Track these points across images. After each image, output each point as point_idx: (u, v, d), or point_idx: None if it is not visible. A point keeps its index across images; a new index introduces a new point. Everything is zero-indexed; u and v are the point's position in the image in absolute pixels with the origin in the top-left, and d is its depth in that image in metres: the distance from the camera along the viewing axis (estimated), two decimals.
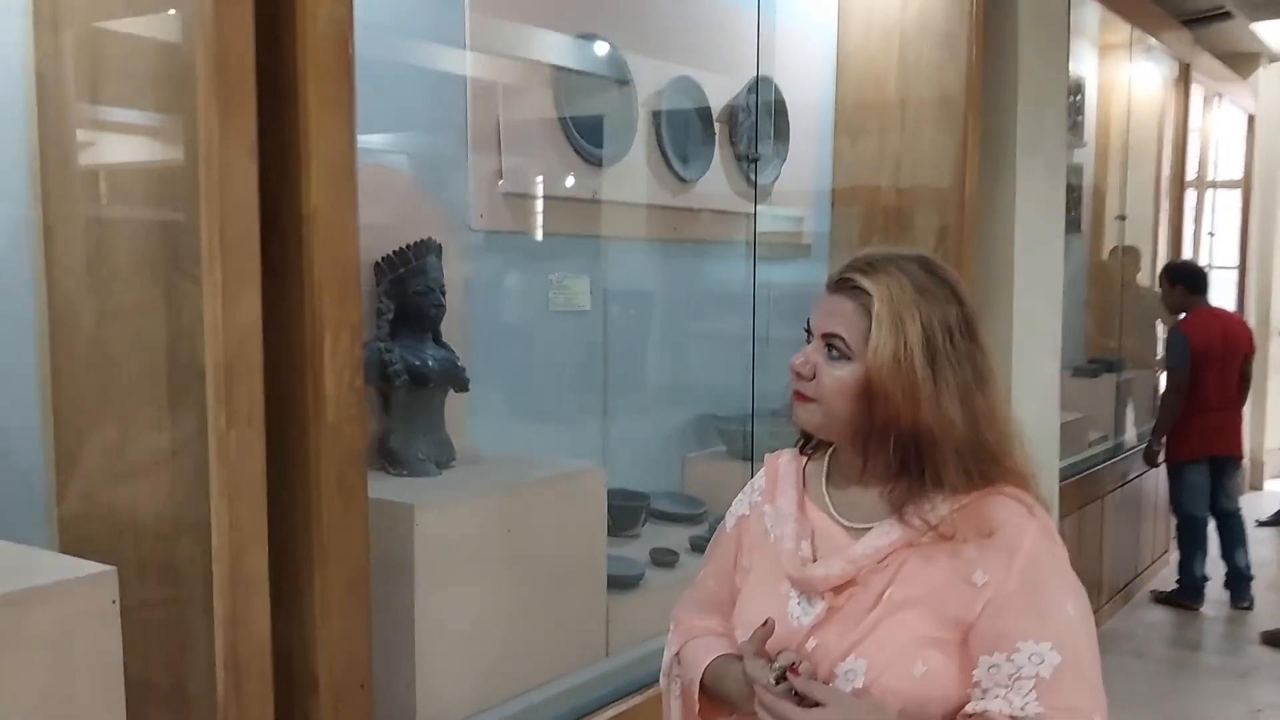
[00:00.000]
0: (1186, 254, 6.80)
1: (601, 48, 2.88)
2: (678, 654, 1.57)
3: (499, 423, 2.69)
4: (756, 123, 3.21)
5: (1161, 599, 5.67)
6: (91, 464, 1.82)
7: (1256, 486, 8.49)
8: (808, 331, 1.42)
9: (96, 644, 1.59)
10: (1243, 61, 7.82)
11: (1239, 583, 5.58)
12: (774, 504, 1.49)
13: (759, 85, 3.17)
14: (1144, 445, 5.69)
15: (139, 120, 1.76)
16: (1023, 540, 1.33)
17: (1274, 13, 6.51)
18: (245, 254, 1.60)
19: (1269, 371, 8.52)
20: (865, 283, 1.35)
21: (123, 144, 1.80)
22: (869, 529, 1.38)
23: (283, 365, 1.69)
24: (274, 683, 1.71)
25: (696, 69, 3.21)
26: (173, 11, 1.64)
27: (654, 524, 3.04)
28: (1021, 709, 1.27)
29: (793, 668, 1.30)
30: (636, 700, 2.41)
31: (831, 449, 1.48)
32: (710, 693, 1.49)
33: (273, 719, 1.70)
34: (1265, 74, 8.23)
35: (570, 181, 2.84)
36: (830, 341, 1.37)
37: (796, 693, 1.29)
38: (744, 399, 3.25)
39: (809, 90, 3.77)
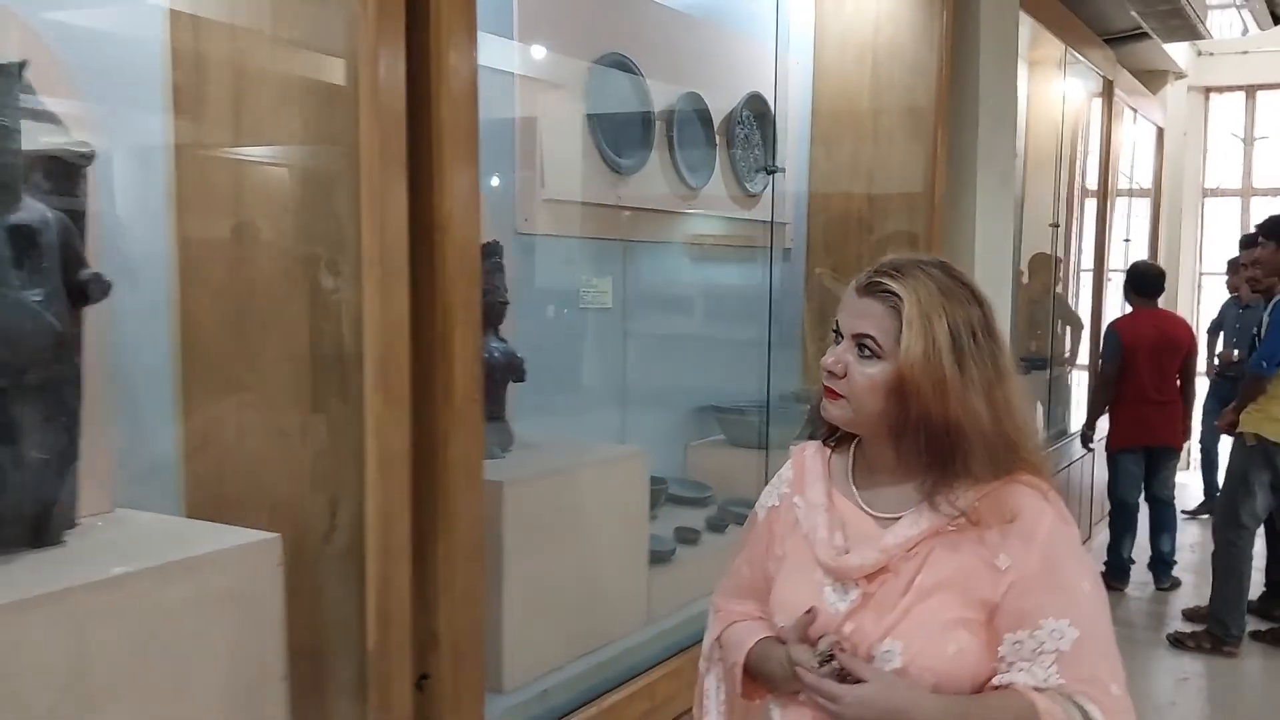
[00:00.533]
0: (1111, 260, 7.28)
1: (624, 68, 3.12)
2: (719, 638, 1.66)
3: (539, 410, 2.91)
4: (774, 135, 3.48)
5: None
6: (228, 441, 2.01)
7: None
8: (836, 333, 1.50)
9: (265, 602, 1.79)
10: (1152, 78, 8.34)
11: (1161, 566, 6.03)
12: (803, 495, 1.57)
13: (776, 97, 3.43)
14: (1074, 436, 6.14)
15: (284, 142, 1.96)
16: (1041, 525, 1.43)
17: (1187, 35, 6.99)
18: (397, 258, 1.82)
19: None
20: (895, 286, 1.43)
21: (270, 162, 1.99)
22: (897, 519, 1.47)
23: (420, 354, 1.90)
24: None
25: (699, 86, 3.46)
26: (334, 59, 1.84)
27: (668, 506, 3.28)
28: (1044, 680, 1.39)
29: (837, 645, 1.42)
30: (676, 663, 2.66)
31: (856, 441, 1.57)
32: (752, 673, 1.58)
33: (410, 669, 1.91)
34: (1172, 90, 8.78)
35: (600, 189, 3.08)
36: (862, 341, 1.44)
37: (839, 674, 1.41)
38: (742, 391, 3.53)
39: (789, 103, 4.06)
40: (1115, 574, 5.95)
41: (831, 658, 1.42)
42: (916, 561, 1.44)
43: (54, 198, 1.73)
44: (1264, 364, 4.81)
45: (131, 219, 2.01)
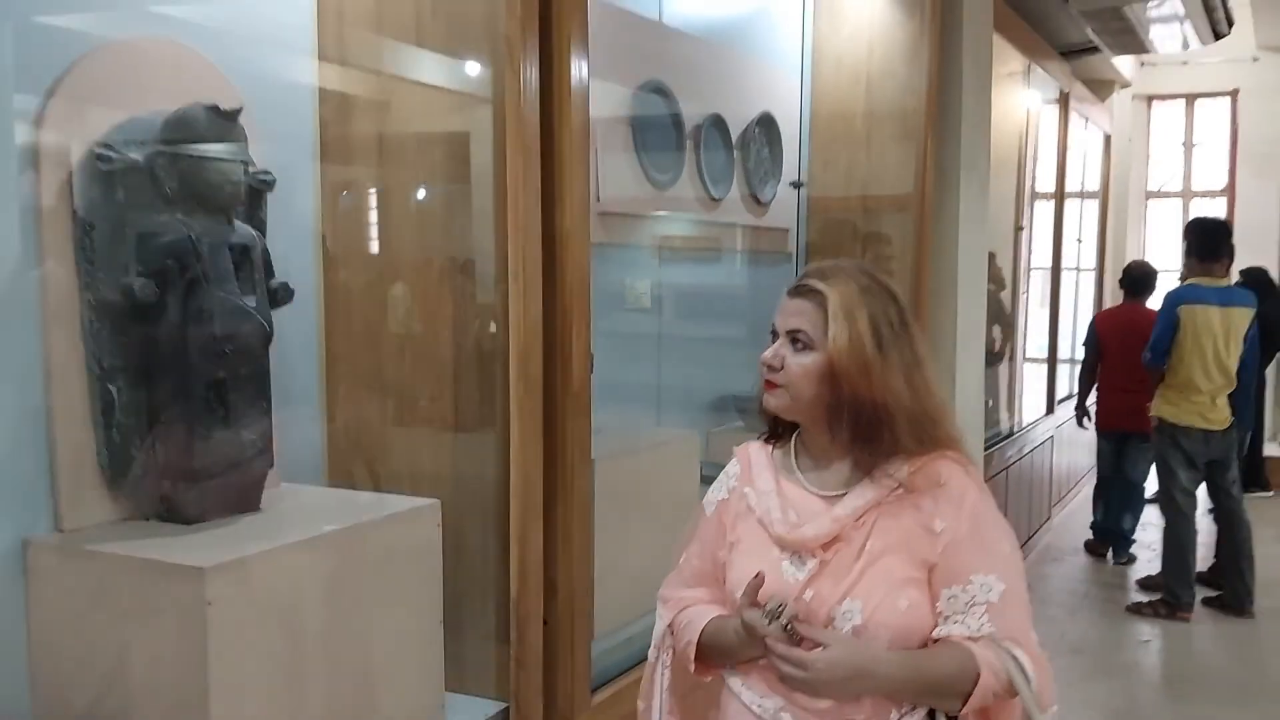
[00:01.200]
0: (1065, 259, 7.77)
1: (661, 92, 3.48)
2: (670, 625, 1.78)
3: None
4: (803, 151, 3.84)
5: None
6: (377, 424, 2.34)
7: None
8: (773, 333, 1.67)
9: (427, 557, 2.13)
10: (1100, 88, 8.83)
11: (1121, 542, 6.54)
12: (753, 485, 1.71)
13: (801, 116, 3.80)
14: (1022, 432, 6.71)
15: (427, 173, 2.30)
16: (968, 493, 1.61)
17: (1135, 49, 7.48)
18: (533, 269, 2.16)
19: None
20: (821, 286, 1.61)
21: (412, 177, 2.33)
22: (843, 495, 1.63)
23: (546, 350, 2.25)
24: None
25: (720, 106, 3.83)
26: (477, 90, 2.18)
27: (701, 486, 3.64)
28: (978, 630, 1.56)
29: (795, 618, 1.54)
30: None
31: (795, 435, 1.73)
32: (706, 650, 1.70)
33: (542, 614, 2.26)
34: (1118, 98, 9.30)
35: (642, 202, 3.44)
36: (795, 336, 1.62)
37: (796, 642, 1.53)
38: (759, 382, 3.90)
39: (786, 120, 4.44)
40: (1099, 536, 6.68)
41: (781, 614, 1.54)
42: (864, 530, 1.60)
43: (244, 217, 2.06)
44: (1149, 355, 5.39)
45: (285, 228, 2.33)
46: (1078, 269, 8.49)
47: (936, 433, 1.62)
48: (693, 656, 1.70)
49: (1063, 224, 7.50)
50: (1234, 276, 5.83)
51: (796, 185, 3.80)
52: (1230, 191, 9.43)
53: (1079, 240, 8.49)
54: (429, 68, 2.22)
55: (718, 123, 3.80)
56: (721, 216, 3.90)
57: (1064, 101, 7.32)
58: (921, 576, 1.58)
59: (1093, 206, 8.94)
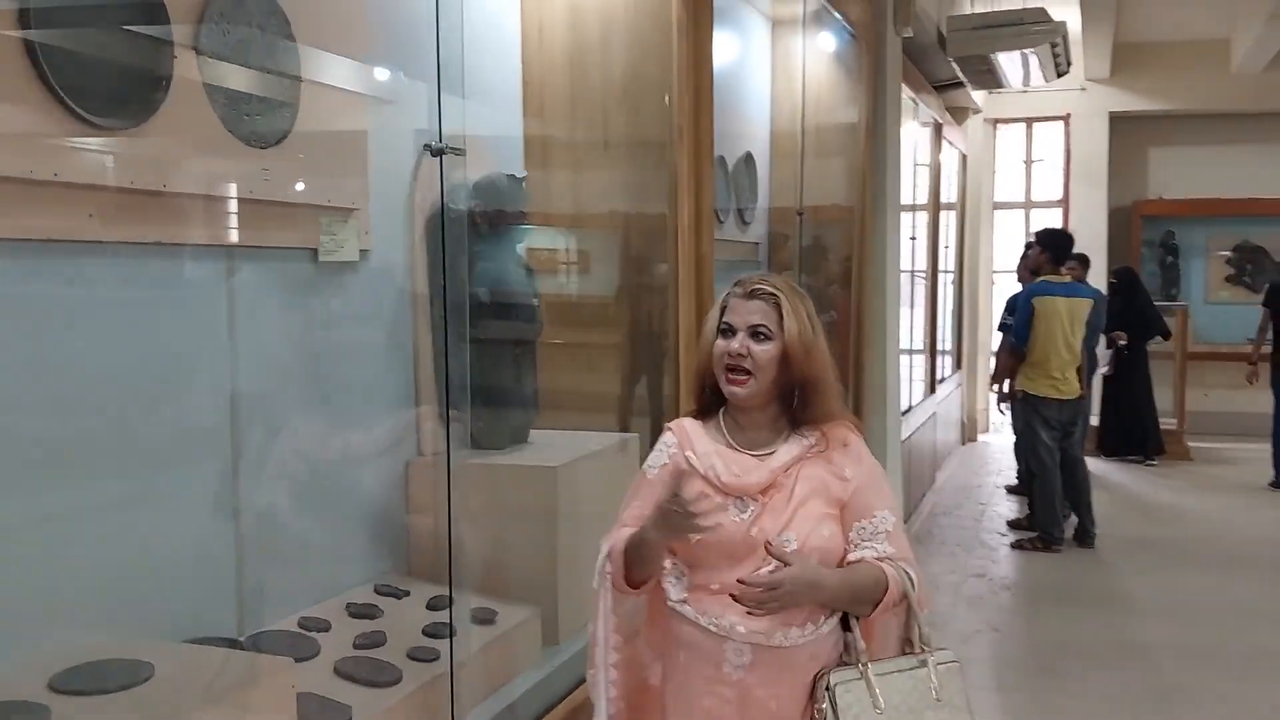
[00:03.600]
0: (939, 264, 9.13)
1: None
2: (608, 554, 2.02)
3: None
4: (803, 178, 4.94)
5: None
6: (572, 389, 3.32)
7: (972, 438, 11.07)
8: (725, 330, 1.98)
9: (629, 475, 3.13)
10: (958, 114, 10.27)
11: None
12: (693, 449, 2.03)
13: (803, 153, 4.91)
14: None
15: (618, 190, 3.29)
16: (863, 451, 2.06)
17: (992, 85, 8.88)
18: (689, 271, 3.18)
19: (979, 350, 11.15)
20: (772, 290, 1.97)
21: (602, 193, 3.32)
22: (771, 452, 1.99)
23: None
24: None
25: (725, 149, 4.90)
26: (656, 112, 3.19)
27: None
28: (883, 551, 1.97)
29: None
30: None
31: (721, 410, 2.06)
32: (631, 560, 1.97)
33: None
34: (972, 123, 10.77)
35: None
36: (758, 329, 1.95)
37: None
38: None
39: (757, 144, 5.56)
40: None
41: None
42: (791, 478, 1.97)
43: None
44: (1013, 340, 6.86)
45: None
46: (945, 271, 9.89)
47: (839, 404, 2.04)
48: (621, 560, 1.98)
49: (938, 232, 8.85)
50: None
51: (799, 212, 4.90)
52: (1065, 201, 11.00)
53: (946, 247, 9.89)
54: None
55: (720, 162, 4.88)
56: (724, 233, 4.98)
57: (938, 128, 8.67)
58: (835, 513, 1.98)
59: (949, 217, 10.37)
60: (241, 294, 2.19)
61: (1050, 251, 6.90)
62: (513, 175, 2.87)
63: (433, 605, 2.51)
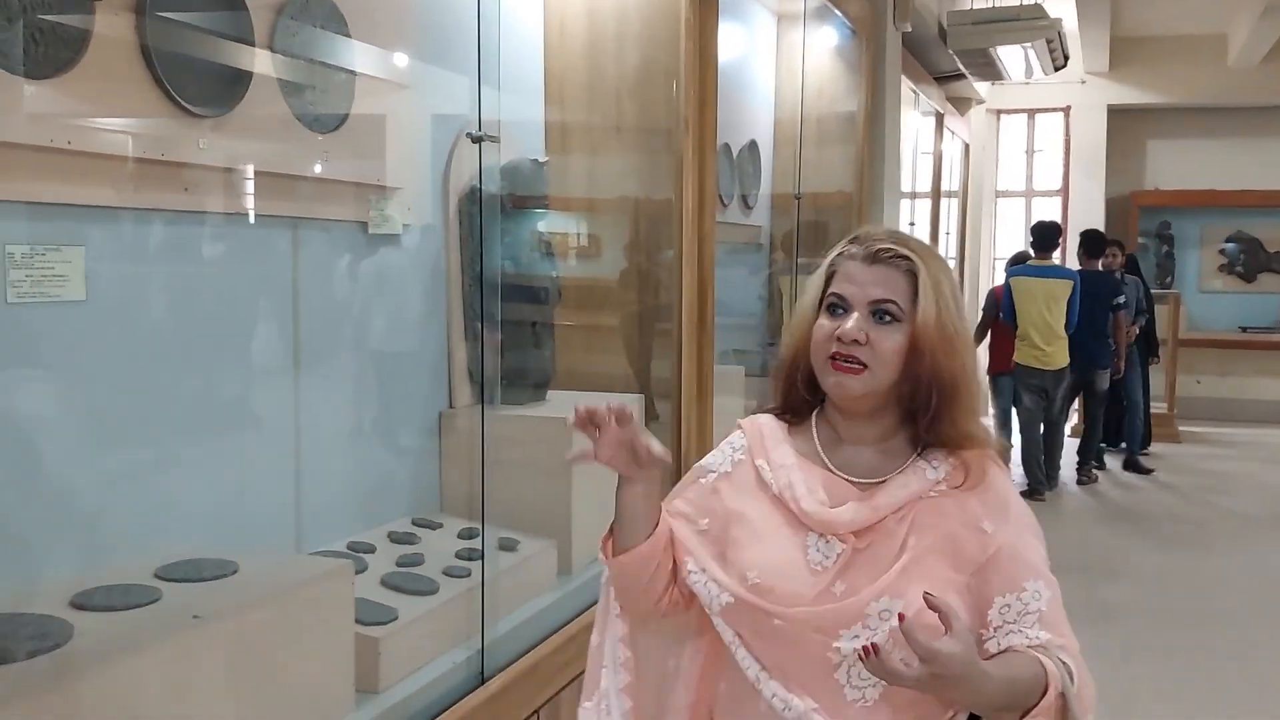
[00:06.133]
0: (941, 250, 9.46)
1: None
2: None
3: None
4: (800, 167, 5.28)
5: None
6: (581, 358, 3.67)
7: None
8: (833, 305, 1.48)
9: None
10: (960, 104, 10.57)
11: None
12: (767, 459, 1.56)
13: (774, 137, 5.25)
14: None
15: (629, 181, 3.64)
16: (1010, 494, 1.50)
17: (992, 77, 9.18)
18: (692, 249, 3.52)
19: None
20: (907, 252, 1.45)
21: (620, 176, 3.66)
22: (879, 483, 1.48)
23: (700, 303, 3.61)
24: None
25: (728, 135, 5.23)
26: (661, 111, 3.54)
27: None
28: (1036, 639, 1.42)
29: (927, 595, 1.33)
30: None
31: (816, 413, 1.58)
32: (620, 534, 1.60)
33: None
34: (974, 113, 11.08)
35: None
36: (883, 307, 1.44)
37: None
38: (748, 338, 5.34)
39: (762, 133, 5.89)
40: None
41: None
42: (905, 524, 1.45)
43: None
44: (1003, 316, 7.72)
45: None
46: (947, 257, 10.21)
47: (978, 422, 1.51)
48: (610, 541, 1.62)
49: (939, 220, 9.17)
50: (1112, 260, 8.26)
51: (797, 196, 5.22)
52: (1065, 191, 11.31)
53: (947, 234, 10.21)
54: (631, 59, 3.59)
55: (725, 149, 5.21)
56: (727, 217, 5.31)
57: (939, 119, 8.99)
58: (961, 580, 1.45)
59: (954, 205, 10.68)
60: (305, 259, 2.54)
61: (1035, 239, 7.85)
62: (535, 159, 3.20)
63: (463, 535, 2.86)
